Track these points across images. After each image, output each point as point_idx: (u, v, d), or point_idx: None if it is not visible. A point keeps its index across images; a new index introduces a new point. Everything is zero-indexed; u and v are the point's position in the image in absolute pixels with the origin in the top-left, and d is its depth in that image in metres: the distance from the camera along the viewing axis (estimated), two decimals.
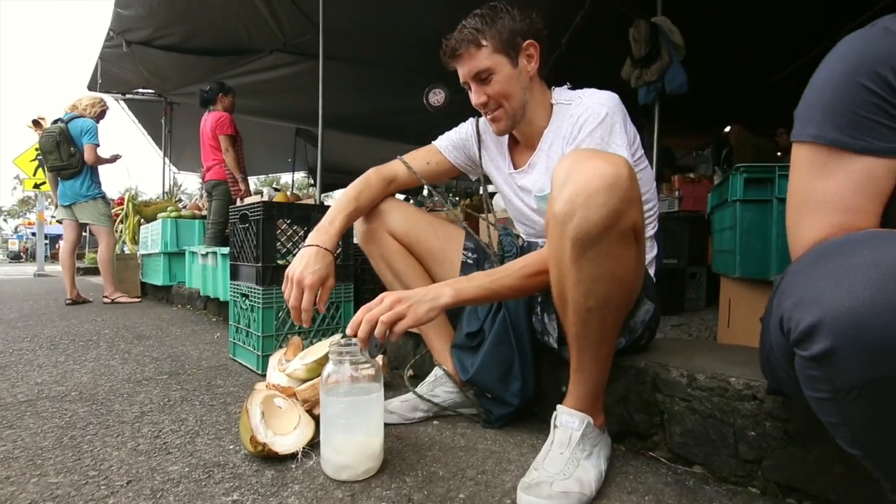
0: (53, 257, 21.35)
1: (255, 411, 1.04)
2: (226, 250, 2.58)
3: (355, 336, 0.93)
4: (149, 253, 4.36)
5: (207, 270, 2.92)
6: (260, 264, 1.68)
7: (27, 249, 26.60)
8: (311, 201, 4.72)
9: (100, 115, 4.16)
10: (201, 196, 4.81)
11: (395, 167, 1.37)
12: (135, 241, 5.46)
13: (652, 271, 1.24)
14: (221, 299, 2.76)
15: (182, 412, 1.34)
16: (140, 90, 6.02)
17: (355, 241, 1.72)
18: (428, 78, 5.59)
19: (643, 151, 1.23)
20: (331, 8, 3.93)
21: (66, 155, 3.91)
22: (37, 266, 10.73)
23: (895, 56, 0.64)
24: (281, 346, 1.68)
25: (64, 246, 4.04)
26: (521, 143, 1.29)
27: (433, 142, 1.42)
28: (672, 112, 5.49)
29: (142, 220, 4.62)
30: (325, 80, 3.92)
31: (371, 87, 5.74)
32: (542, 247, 1.08)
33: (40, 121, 10.11)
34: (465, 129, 1.39)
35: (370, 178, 1.33)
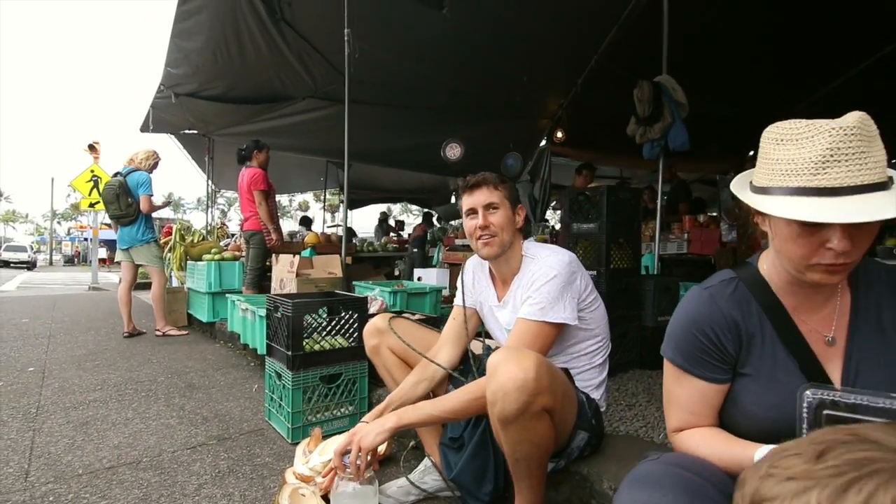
0: (108, 261, 22.69)
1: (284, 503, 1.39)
2: (263, 310, 2.97)
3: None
4: (195, 290, 4.85)
5: (247, 322, 3.33)
6: (290, 353, 2.04)
7: (79, 253, 28.33)
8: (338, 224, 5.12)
9: (153, 167, 4.66)
10: (239, 236, 5.29)
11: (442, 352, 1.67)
12: (181, 268, 6.01)
13: (598, 395, 1.52)
14: (259, 352, 3.16)
15: (229, 485, 1.71)
16: (186, 130, 6.58)
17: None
18: (443, 117, 5.95)
19: (595, 294, 1.54)
20: (355, 63, 4.28)
21: (124, 205, 4.41)
22: (91, 279, 11.63)
23: (714, 320, 0.95)
24: (306, 436, 2.04)
25: (122, 285, 4.56)
26: (499, 280, 1.63)
27: (454, 303, 1.74)
28: (695, 139, 5.67)
29: (188, 256, 5.12)
30: (350, 121, 4.26)
31: (394, 125, 6.13)
32: None
33: (95, 145, 10.88)
34: (468, 277, 1.72)
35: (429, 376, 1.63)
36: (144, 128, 6.08)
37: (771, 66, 5.53)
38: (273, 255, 3.64)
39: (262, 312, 2.93)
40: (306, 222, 7.70)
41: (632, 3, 4.60)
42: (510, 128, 6.39)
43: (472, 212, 1.53)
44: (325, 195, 11.33)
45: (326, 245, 5.17)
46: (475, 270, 1.73)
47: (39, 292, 11.00)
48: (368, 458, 1.31)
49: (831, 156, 0.78)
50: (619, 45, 5.08)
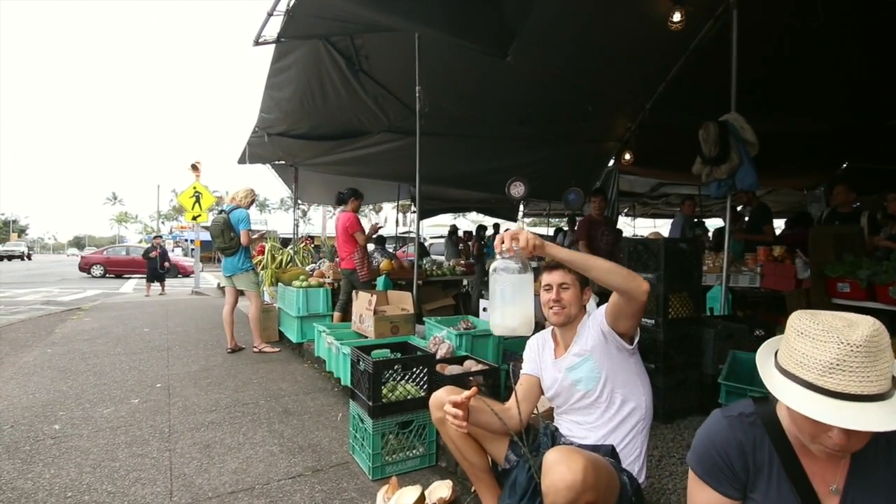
0: (206, 259, 24.98)
1: None
2: (346, 348, 3.39)
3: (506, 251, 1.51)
4: (285, 311, 5.45)
5: (331, 353, 3.78)
6: (371, 404, 2.40)
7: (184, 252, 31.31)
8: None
9: (251, 204, 5.31)
10: (322, 264, 5.85)
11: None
12: (272, 284, 6.72)
13: (638, 465, 1.74)
14: (342, 383, 3.59)
15: None
16: (276, 162, 7.31)
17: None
18: (507, 145, 6.17)
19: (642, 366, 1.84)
20: (425, 102, 4.61)
21: (227, 239, 5.07)
22: (194, 283, 13.05)
23: (728, 446, 1.14)
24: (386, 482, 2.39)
25: (226, 307, 5.24)
26: (560, 343, 1.96)
27: (522, 371, 2.07)
28: (781, 153, 5.46)
29: (279, 280, 5.76)
30: (421, 151, 4.62)
31: (462, 153, 6.44)
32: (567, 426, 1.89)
33: (197, 165, 12.13)
34: (531, 348, 2.07)
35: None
36: (241, 160, 6.85)
37: (857, 84, 5.20)
38: (354, 291, 4.07)
39: (346, 350, 3.35)
40: (381, 241, 8.19)
41: (699, 36, 4.57)
42: (575, 152, 6.48)
43: (549, 287, 1.90)
44: (398, 203, 11.95)
45: (400, 271, 5.58)
46: (538, 340, 2.06)
47: (152, 295, 12.54)
48: (532, 243, 1.45)
49: (837, 365, 0.91)
50: (688, 74, 5.04)
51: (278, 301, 5.80)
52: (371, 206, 31.21)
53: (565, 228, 10.30)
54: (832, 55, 4.70)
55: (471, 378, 2.68)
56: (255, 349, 5.20)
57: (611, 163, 6.92)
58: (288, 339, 5.47)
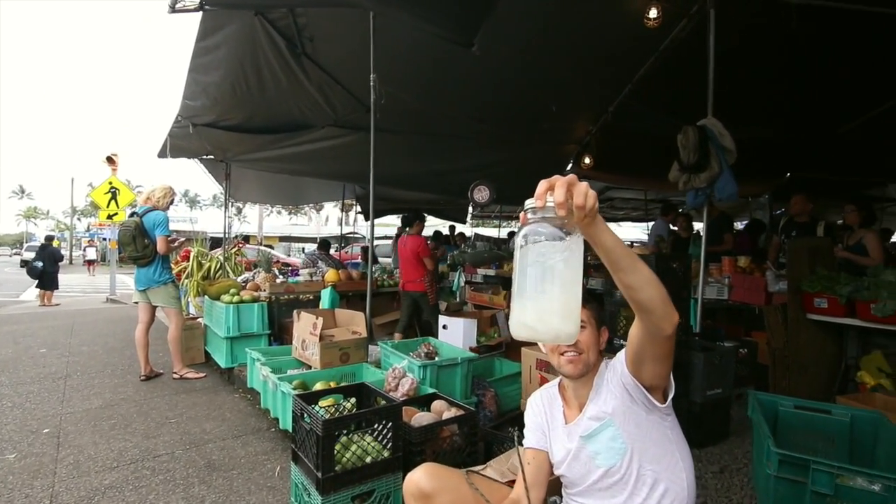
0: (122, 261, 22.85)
1: None
2: (288, 386, 2.80)
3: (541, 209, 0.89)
4: (213, 330, 4.71)
5: (267, 387, 3.17)
6: (320, 475, 1.86)
7: (103, 256, 28.53)
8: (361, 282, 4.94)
9: (170, 204, 4.53)
10: (257, 275, 5.14)
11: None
12: (198, 294, 5.90)
13: None
14: (280, 426, 3.00)
15: None
16: (204, 157, 6.44)
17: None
18: (467, 144, 5.74)
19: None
20: (381, 93, 4.07)
21: (140, 246, 4.28)
22: (109, 288, 11.68)
23: None
24: None
25: (139, 327, 4.43)
26: (572, 403, 1.52)
27: (523, 445, 1.62)
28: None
29: (205, 293, 4.98)
30: (374, 148, 4.07)
31: (417, 152, 5.94)
32: None
33: (113, 157, 10.88)
34: (535, 410, 1.62)
35: None
36: (162, 154, 5.96)
37: (809, 93, 5.21)
38: (295, 312, 3.48)
39: (286, 389, 2.76)
40: (325, 246, 7.52)
41: (669, 37, 4.34)
42: (535, 154, 6.15)
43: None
44: (342, 202, 11.24)
45: (347, 283, 5.00)
46: (543, 399, 1.62)
47: (57, 299, 11.05)
48: (593, 203, 0.90)
49: None
50: (655, 76, 4.82)
51: (205, 317, 5.04)
52: (311, 206, 29.95)
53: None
54: (783, 63, 4.64)
55: (445, 428, 2.20)
56: (175, 375, 4.43)
57: (569, 166, 6.66)
58: (216, 362, 4.74)
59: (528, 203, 0.92)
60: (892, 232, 9.51)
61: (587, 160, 6.18)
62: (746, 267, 4.48)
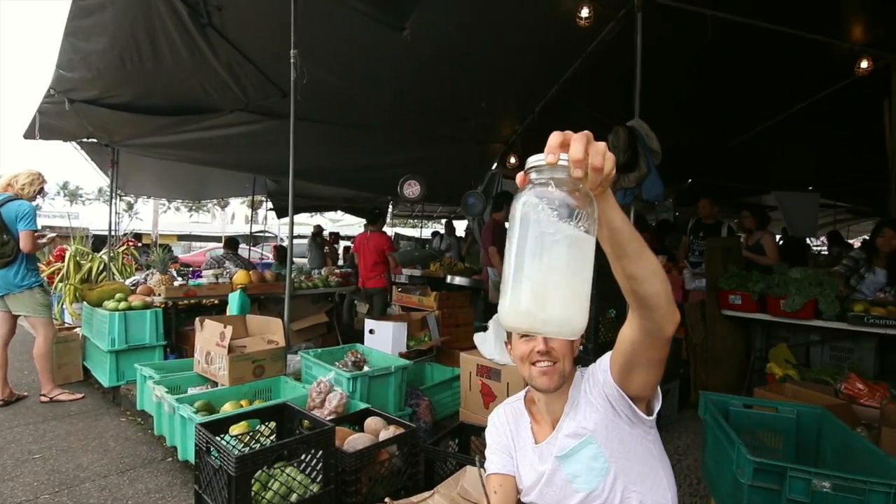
0: None
1: None
2: (188, 410, 2.35)
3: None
4: (94, 343, 4.00)
5: (162, 410, 2.67)
6: None
7: None
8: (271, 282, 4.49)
9: (37, 193, 3.78)
10: (150, 277, 4.46)
11: None
12: (75, 300, 5.03)
13: None
14: (179, 457, 2.53)
15: None
16: (84, 140, 5.52)
17: None
18: (392, 137, 5.47)
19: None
20: (303, 72, 3.67)
21: None
22: None
23: None
24: None
25: None
26: (543, 420, 1.34)
27: (486, 471, 1.40)
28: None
29: (84, 299, 4.20)
30: (294, 136, 3.66)
31: (340, 143, 5.55)
32: None
33: None
34: (498, 428, 1.41)
35: None
36: (29, 135, 4.99)
37: (712, 104, 5.61)
38: (197, 320, 2.98)
39: (185, 413, 2.32)
40: (233, 244, 6.80)
41: (597, 39, 4.40)
42: (462, 151, 6.03)
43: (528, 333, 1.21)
44: (252, 199, 10.39)
45: (260, 285, 4.49)
46: (507, 415, 1.43)
47: None
48: (611, 166, 0.71)
49: None
50: (581, 78, 4.90)
51: (83, 327, 4.28)
52: (216, 202, 27.85)
53: (441, 232, 9.91)
54: (695, 74, 4.92)
55: (383, 450, 1.92)
56: (43, 398, 3.69)
57: (494, 165, 6.63)
58: (97, 380, 4.02)
59: (534, 160, 0.72)
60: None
61: (513, 160, 6.17)
62: (663, 266, 4.67)
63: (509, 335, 1.39)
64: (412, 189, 4.72)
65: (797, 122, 6.07)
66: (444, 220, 10.02)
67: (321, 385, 2.47)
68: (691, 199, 6.95)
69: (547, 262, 0.67)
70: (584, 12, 3.81)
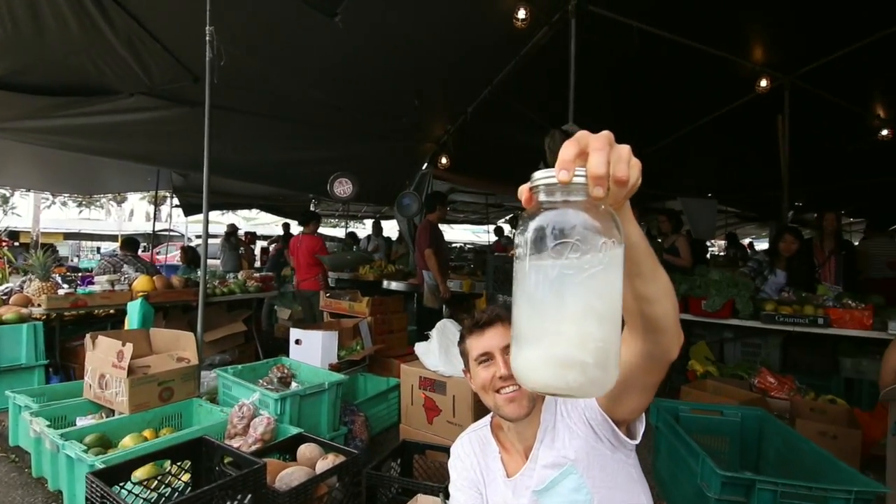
0: None
1: None
2: (76, 448, 1.95)
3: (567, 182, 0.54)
4: None
5: (43, 447, 2.21)
6: None
7: None
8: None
9: None
10: (29, 284, 3.78)
11: None
12: None
13: None
14: None
15: None
16: None
17: None
18: (319, 132, 5.14)
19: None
20: (221, 52, 3.27)
21: None
22: None
23: None
24: None
25: None
26: (513, 449, 1.21)
27: None
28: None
29: None
30: (201, 127, 3.26)
31: (260, 136, 5.11)
32: None
33: None
34: (462, 462, 1.26)
35: None
36: None
37: (634, 113, 5.89)
38: (88, 337, 2.53)
39: (73, 452, 1.92)
40: (132, 245, 5.98)
41: (531, 42, 4.41)
42: (393, 150, 5.82)
43: (487, 357, 1.17)
44: (156, 194, 9.38)
45: (166, 293, 3.98)
46: (472, 445, 1.28)
47: None
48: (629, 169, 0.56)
49: None
50: (514, 81, 4.90)
51: None
52: (111, 197, 25.17)
53: (369, 233, 9.59)
54: (615, 84, 5.13)
55: (322, 483, 1.69)
56: None
57: (424, 166, 6.49)
58: None
59: (542, 177, 0.57)
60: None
61: (444, 160, 6.07)
62: None
63: (466, 362, 1.25)
64: (344, 187, 4.42)
65: (703, 133, 6.56)
66: (367, 221, 9.71)
67: (244, 408, 2.18)
68: None
69: (572, 308, 0.53)
70: (521, 13, 3.78)
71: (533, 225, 0.55)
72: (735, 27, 4.49)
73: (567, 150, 0.56)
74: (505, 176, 7.15)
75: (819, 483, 1.30)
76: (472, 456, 1.26)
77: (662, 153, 7.23)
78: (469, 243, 15.72)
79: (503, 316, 1.20)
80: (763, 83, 5.10)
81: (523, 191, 0.61)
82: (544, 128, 3.79)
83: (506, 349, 1.15)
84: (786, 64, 5.01)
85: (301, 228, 5.12)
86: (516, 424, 1.17)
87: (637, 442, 1.12)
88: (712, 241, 12.20)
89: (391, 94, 4.74)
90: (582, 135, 0.58)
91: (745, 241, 14.88)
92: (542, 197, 0.57)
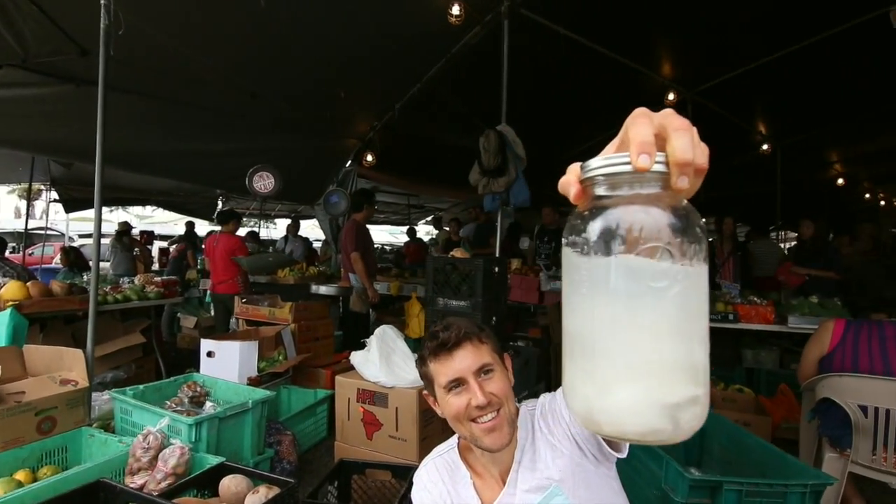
0: None
1: None
2: (29, 489, 1.51)
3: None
4: None
5: None
6: None
7: None
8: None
9: None
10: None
11: None
12: None
13: None
14: None
15: None
16: None
17: None
18: (232, 121, 4.70)
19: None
20: (119, 19, 2.79)
21: None
22: None
23: None
24: None
25: None
26: (484, 475, 1.09)
27: None
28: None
29: None
30: (89, 110, 2.80)
31: (162, 123, 4.54)
32: None
33: None
34: (429, 490, 1.12)
35: None
36: None
37: (557, 118, 6.09)
38: None
39: (21, 493, 1.49)
40: None
41: (463, 41, 4.35)
42: (315, 145, 5.49)
43: (458, 383, 1.02)
44: (29, 186, 8.09)
45: (44, 301, 3.36)
46: (438, 473, 1.13)
47: None
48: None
49: None
50: (445, 79, 4.82)
51: None
52: None
53: (286, 234, 9.02)
54: (541, 88, 5.25)
55: None
56: None
57: (348, 163, 6.21)
58: None
59: (605, 164, 0.44)
60: None
61: (370, 157, 5.84)
62: (520, 269, 4.85)
63: (431, 387, 1.09)
64: (265, 182, 4.03)
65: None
66: (279, 221, 9.15)
67: (150, 438, 1.84)
68: (533, 206, 7.52)
69: (666, 330, 0.41)
70: (456, 10, 3.69)
71: (596, 227, 0.43)
72: (648, 42, 4.77)
73: (643, 129, 0.43)
74: (432, 177, 7.08)
75: (778, 480, 1.33)
76: (439, 484, 1.12)
77: (577, 159, 7.56)
78: (388, 244, 15.47)
79: (472, 332, 1.06)
80: (671, 96, 5.49)
81: (570, 183, 0.48)
82: (478, 128, 3.73)
83: (479, 370, 1.02)
84: (689, 80, 5.42)
85: (211, 228, 4.68)
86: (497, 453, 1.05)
87: (623, 455, 1.04)
88: None
89: (314, 83, 4.44)
90: (644, 112, 0.46)
91: None
92: (600, 191, 0.45)
